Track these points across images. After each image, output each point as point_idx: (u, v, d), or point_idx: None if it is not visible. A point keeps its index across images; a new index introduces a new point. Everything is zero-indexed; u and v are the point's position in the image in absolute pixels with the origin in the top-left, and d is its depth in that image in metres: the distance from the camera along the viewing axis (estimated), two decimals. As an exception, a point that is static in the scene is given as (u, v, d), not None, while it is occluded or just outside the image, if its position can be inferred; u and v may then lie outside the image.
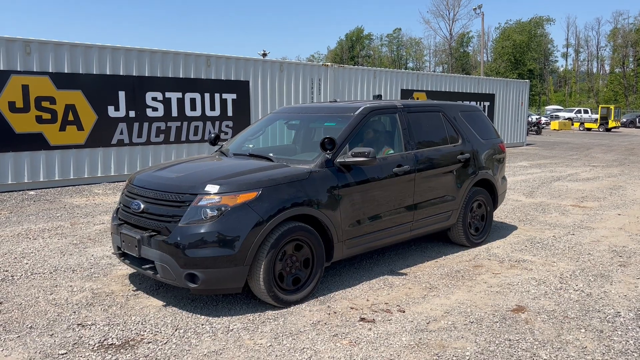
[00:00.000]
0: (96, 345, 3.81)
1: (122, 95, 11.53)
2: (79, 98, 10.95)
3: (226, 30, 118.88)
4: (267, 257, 4.34)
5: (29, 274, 5.37)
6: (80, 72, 10.95)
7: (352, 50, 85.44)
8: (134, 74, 11.70)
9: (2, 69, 10.01)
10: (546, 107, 58.76)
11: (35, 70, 10.38)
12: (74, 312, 4.39)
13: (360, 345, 3.84)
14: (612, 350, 3.78)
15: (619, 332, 4.08)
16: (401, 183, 5.53)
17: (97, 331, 4.03)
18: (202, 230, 4.21)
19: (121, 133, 11.62)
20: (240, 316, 4.34)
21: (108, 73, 11.32)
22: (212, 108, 13.03)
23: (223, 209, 4.27)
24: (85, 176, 11.20)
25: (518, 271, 5.58)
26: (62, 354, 3.66)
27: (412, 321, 4.26)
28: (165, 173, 4.94)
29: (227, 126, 13.27)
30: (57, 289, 4.93)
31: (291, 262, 4.61)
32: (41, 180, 10.63)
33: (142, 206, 4.56)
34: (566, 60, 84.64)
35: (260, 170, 4.78)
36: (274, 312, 4.42)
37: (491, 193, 6.83)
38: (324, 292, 4.88)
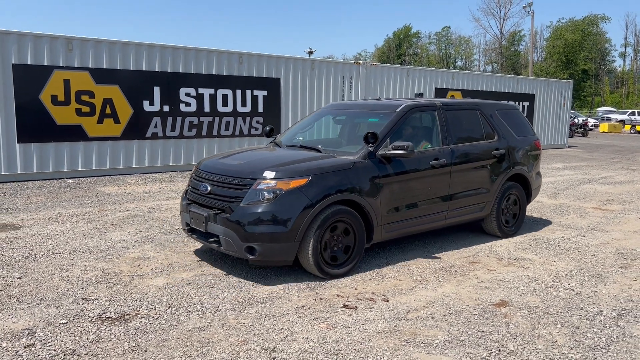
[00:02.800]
0: (95, 317, 4.18)
1: (157, 90, 12.07)
2: (116, 92, 11.55)
3: (274, 28, 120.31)
4: (315, 235, 4.96)
5: (51, 253, 5.83)
6: (118, 68, 11.54)
7: (399, 48, 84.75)
8: (169, 70, 12.22)
9: (45, 64, 10.69)
10: (598, 109, 56.65)
11: (76, 65, 11.03)
12: (82, 288, 4.79)
13: (336, 329, 4.05)
14: (581, 345, 3.85)
15: (595, 330, 4.13)
16: (437, 175, 6.02)
17: (99, 305, 4.41)
18: (260, 210, 4.89)
19: (155, 127, 12.17)
20: (232, 298, 4.63)
21: (144, 69, 11.88)
22: (244, 104, 13.43)
23: (278, 192, 4.93)
24: (121, 167, 11.80)
25: (514, 269, 5.64)
26: (63, 323, 4.04)
27: (392, 310, 4.44)
28: (229, 160, 5.70)
29: (257, 122, 13.64)
30: (72, 268, 5.36)
31: (336, 240, 5.20)
32: (79, 169, 11.28)
33: (209, 188, 5.31)
34: (624, 60, 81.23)
35: (310, 159, 5.44)
36: (263, 295, 4.69)
37: (525, 187, 7.22)
38: (316, 280, 5.10)
